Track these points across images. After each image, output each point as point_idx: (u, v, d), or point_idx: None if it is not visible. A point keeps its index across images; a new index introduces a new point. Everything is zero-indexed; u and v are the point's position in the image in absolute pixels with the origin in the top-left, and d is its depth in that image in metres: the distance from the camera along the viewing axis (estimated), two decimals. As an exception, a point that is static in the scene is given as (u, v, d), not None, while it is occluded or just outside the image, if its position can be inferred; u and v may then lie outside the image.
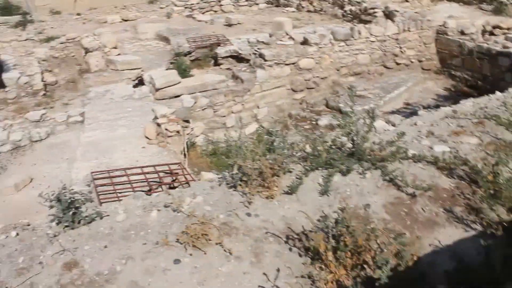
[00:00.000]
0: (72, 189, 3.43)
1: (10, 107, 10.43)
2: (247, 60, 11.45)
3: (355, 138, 3.96)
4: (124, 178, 6.72)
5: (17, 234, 3.34)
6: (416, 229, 3.28)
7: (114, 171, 6.87)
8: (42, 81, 11.06)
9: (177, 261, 2.91)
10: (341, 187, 3.58)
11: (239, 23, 15.54)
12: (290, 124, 10.13)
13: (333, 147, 4.00)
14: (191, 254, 2.95)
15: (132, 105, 9.62)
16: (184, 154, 8.23)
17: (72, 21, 17.72)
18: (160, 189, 6.76)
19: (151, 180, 6.78)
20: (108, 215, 3.32)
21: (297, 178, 3.56)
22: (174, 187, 6.92)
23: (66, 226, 3.29)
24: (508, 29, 13.16)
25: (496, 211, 3.37)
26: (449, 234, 3.27)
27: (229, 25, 15.49)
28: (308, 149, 3.88)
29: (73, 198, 3.32)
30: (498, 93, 6.33)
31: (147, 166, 6.99)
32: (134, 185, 6.62)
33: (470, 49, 12.33)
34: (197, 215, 3.13)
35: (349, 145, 4.01)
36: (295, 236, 3.07)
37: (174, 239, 3.04)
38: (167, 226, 3.15)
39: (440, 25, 13.28)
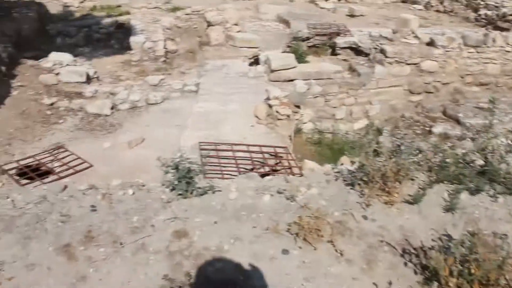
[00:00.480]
0: (189, 159, 3.45)
1: (133, 68, 10.99)
2: (366, 54, 11.06)
3: (489, 156, 3.60)
4: (230, 153, 6.80)
5: (133, 193, 3.45)
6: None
7: (221, 145, 6.98)
8: (164, 48, 11.50)
9: (285, 252, 2.82)
10: (468, 207, 3.28)
11: (362, 15, 15.05)
12: (401, 126, 9.66)
13: (463, 161, 3.67)
14: (300, 247, 2.85)
15: (246, 82, 9.72)
16: (291, 139, 8.16)
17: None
18: (262, 170, 6.78)
19: (255, 159, 6.81)
20: (220, 191, 3.31)
21: (420, 188, 3.31)
22: (276, 170, 6.91)
23: (180, 194, 3.34)
24: None
25: None
26: None
27: (352, 15, 15.06)
28: (435, 158, 3.59)
29: (190, 167, 3.34)
30: None
31: (253, 145, 7.01)
32: (239, 161, 6.68)
33: None
34: (311, 207, 3.01)
35: (481, 162, 3.66)
36: (412, 251, 2.85)
37: (285, 228, 2.96)
38: (279, 213, 3.07)
39: None
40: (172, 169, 3.41)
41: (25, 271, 2.70)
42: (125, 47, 11.78)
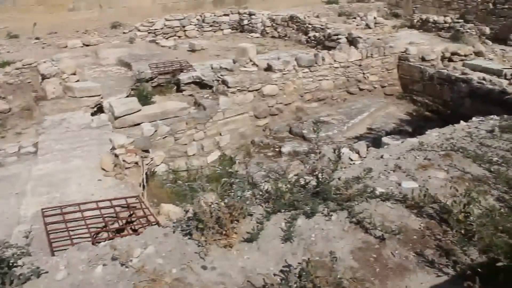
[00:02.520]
0: (7, 242, 3.02)
1: (-44, 136, 9.87)
2: (210, 87, 11.23)
3: (320, 176, 3.73)
4: (78, 215, 6.31)
5: None
6: (386, 277, 3.05)
7: (67, 207, 6.45)
8: (-6, 108, 10.53)
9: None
10: (305, 232, 3.32)
11: (202, 49, 15.36)
12: (253, 151, 9.90)
13: (297, 185, 3.76)
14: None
15: (90, 134, 9.19)
16: (143, 186, 7.86)
17: (31, 46, 17.15)
18: (116, 225, 6.39)
19: (106, 215, 6.39)
20: (46, 272, 2.94)
21: (257, 222, 3.29)
22: (131, 222, 6.56)
23: (-6, 290, 2.89)
24: (465, 56, 13.55)
25: (468, 253, 3.18)
26: (421, 281, 3.05)
27: (193, 50, 15.29)
28: (270, 188, 3.61)
29: (5, 255, 2.91)
30: (462, 122, 6.29)
31: (103, 201, 6.59)
32: (88, 222, 6.21)
33: (430, 75, 12.52)
34: (147, 269, 2.80)
35: (314, 183, 3.78)
36: (256, 291, 2.77)
37: (119, 300, 2.70)
38: (112, 284, 2.80)
39: (402, 52, 13.49)
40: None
41: None
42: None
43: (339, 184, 3.78)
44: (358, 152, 8.05)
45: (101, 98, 10.94)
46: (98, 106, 10.81)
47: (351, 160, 7.63)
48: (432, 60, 13.03)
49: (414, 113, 12.42)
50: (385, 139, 9.23)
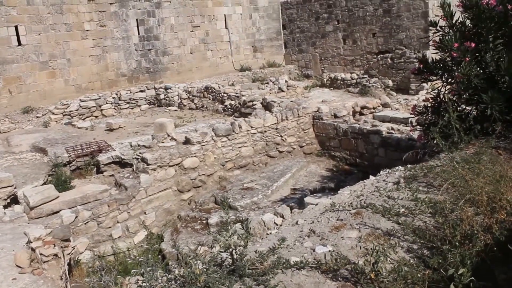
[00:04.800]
0: None
1: None
2: (131, 165, 11.12)
3: (234, 253, 3.78)
4: (-10, 322, 5.85)
5: None
6: None
7: (-23, 315, 5.96)
8: None
9: None
10: (223, 314, 3.33)
11: (120, 127, 15.29)
12: (180, 226, 9.77)
13: (213, 264, 3.77)
14: None
15: (1, 229, 8.67)
16: (66, 278, 7.46)
17: None
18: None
19: (23, 318, 5.97)
20: None
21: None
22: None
23: None
24: (374, 108, 14.50)
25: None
26: None
27: (111, 129, 15.17)
28: (183, 272, 3.60)
29: None
30: (371, 177, 6.63)
31: (18, 302, 6.17)
32: (3, 328, 5.77)
33: (344, 131, 13.16)
34: None
35: (230, 260, 3.82)
36: None
37: None
38: None
39: (315, 111, 14.15)
40: None
41: None
42: None
43: (254, 259, 3.84)
44: (282, 216, 8.18)
45: (15, 188, 10.43)
46: (12, 197, 10.29)
47: (276, 224, 7.75)
48: (344, 116, 13.76)
49: (334, 169, 12.89)
50: (307, 199, 9.46)
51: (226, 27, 25.58)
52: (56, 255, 7.42)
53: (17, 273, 7.07)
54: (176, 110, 17.77)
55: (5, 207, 9.78)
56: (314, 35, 26.27)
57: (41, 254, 7.26)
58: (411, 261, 3.83)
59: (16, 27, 18.64)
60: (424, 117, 7.57)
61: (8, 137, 15.08)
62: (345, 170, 12.74)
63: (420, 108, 7.61)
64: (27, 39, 18.92)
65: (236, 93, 16.21)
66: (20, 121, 17.32)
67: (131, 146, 11.78)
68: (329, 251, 4.16)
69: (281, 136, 13.09)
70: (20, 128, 16.59)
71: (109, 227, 9.54)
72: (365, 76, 21.20)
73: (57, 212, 9.32)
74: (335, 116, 13.87)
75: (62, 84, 19.85)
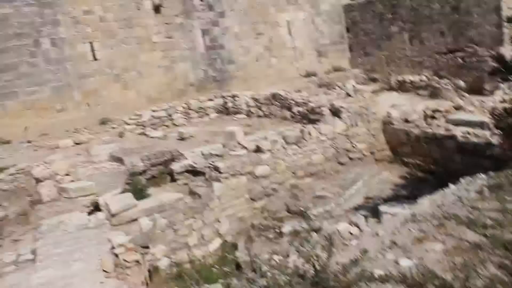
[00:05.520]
0: None
1: None
2: (203, 173, 11.39)
3: (316, 264, 3.80)
4: (82, 324, 6.21)
5: None
6: None
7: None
8: (-12, 218, 10.51)
9: None
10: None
11: (191, 136, 15.68)
12: (254, 235, 9.89)
13: (295, 276, 3.81)
14: None
15: (88, 235, 9.17)
16: (147, 284, 7.79)
17: (23, 149, 17.38)
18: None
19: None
20: None
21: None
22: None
23: None
24: (446, 111, 13.91)
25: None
26: None
27: (182, 138, 15.61)
28: (266, 283, 3.66)
29: None
30: (451, 186, 6.42)
31: (106, 307, 6.51)
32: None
33: (416, 136, 12.77)
34: None
35: (312, 272, 3.84)
36: None
37: None
38: None
39: (385, 116, 13.84)
40: None
41: None
42: None
43: (336, 270, 3.85)
44: (357, 225, 8.10)
45: (97, 196, 11.04)
46: (95, 204, 10.88)
47: (351, 234, 7.68)
48: (415, 120, 13.38)
49: (407, 176, 12.54)
50: (382, 208, 9.29)
51: (289, 33, 25.61)
52: (137, 261, 7.80)
53: (104, 278, 7.49)
54: (244, 118, 18.01)
55: (89, 214, 10.37)
56: (379, 37, 25.71)
57: (124, 260, 7.65)
58: (505, 279, 3.66)
59: (91, 43, 19.69)
60: (505, 120, 7.25)
61: (88, 148, 15.88)
62: (419, 177, 12.35)
63: (499, 111, 7.29)
64: (101, 54, 19.92)
65: (303, 100, 16.19)
66: (98, 132, 18.19)
67: (203, 154, 12.06)
68: (414, 264, 4.08)
69: (351, 142, 12.95)
70: (98, 138, 17.41)
71: (185, 235, 9.82)
72: (434, 77, 20.47)
73: (136, 219, 9.74)
74: (406, 120, 13.53)
75: (135, 95, 20.68)
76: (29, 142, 18.20)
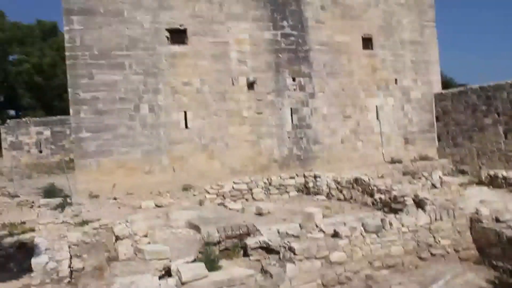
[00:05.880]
0: None
1: (31, 295, 10.18)
2: (277, 252, 11.21)
3: None
4: None
5: None
6: None
7: None
8: (69, 267, 10.90)
9: None
10: None
11: (269, 212, 15.68)
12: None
13: None
14: None
15: (155, 301, 9.23)
16: None
17: (108, 205, 18.31)
18: None
19: None
20: None
21: None
22: None
23: None
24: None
25: None
26: None
27: (260, 214, 15.64)
28: None
29: None
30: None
31: None
32: None
33: (509, 238, 11.83)
34: None
35: None
36: None
37: None
38: None
39: (473, 212, 13.05)
40: None
41: None
42: (26, 269, 11.05)
43: None
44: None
45: (170, 261, 11.18)
46: (167, 269, 11.00)
47: None
48: (508, 220, 12.46)
49: (496, 281, 11.51)
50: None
51: (377, 118, 25.56)
52: None
53: None
54: (324, 200, 17.78)
55: (159, 278, 10.47)
56: (470, 128, 24.93)
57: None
58: None
59: (185, 112, 20.91)
60: None
61: (168, 212, 16.37)
62: (509, 284, 11.28)
63: None
64: (193, 123, 21.03)
65: (386, 187, 15.78)
66: (179, 198, 18.80)
67: (279, 233, 11.94)
68: None
69: (434, 237, 12.25)
70: (178, 204, 17.96)
71: (254, 313, 9.57)
72: (531, 176, 19.19)
73: (205, 291, 9.67)
74: (497, 220, 12.62)
75: (219, 165, 21.35)
76: (115, 199, 19.19)
